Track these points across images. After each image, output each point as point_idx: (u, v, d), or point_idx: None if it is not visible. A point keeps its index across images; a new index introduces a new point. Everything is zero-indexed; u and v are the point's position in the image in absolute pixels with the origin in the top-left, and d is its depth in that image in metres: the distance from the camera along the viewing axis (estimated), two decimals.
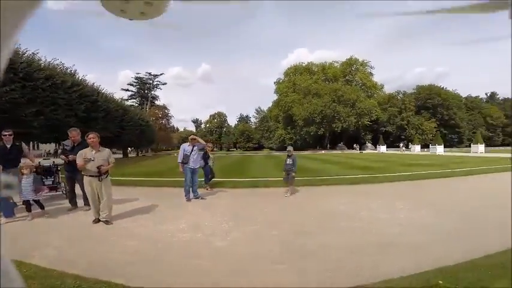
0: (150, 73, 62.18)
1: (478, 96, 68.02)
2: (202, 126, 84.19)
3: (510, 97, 68.52)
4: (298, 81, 59.06)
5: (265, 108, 77.88)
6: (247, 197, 7.26)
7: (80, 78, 21.48)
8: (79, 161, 4.86)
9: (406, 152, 35.76)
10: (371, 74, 59.69)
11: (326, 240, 3.85)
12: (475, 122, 59.21)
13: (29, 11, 0.45)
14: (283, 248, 3.65)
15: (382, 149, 40.01)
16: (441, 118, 55.78)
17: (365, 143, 51.37)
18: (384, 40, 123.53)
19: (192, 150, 7.10)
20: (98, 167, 4.84)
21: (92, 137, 4.91)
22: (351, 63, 60.14)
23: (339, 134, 54.79)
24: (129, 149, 41.76)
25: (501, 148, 47.79)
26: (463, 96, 62.59)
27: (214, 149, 36.83)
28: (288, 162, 7.18)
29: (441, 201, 6.28)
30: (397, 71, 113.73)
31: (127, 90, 61.28)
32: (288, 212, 5.59)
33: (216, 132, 76.99)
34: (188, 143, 7.23)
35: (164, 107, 60.63)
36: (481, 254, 3.15)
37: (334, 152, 43.37)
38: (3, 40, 0.44)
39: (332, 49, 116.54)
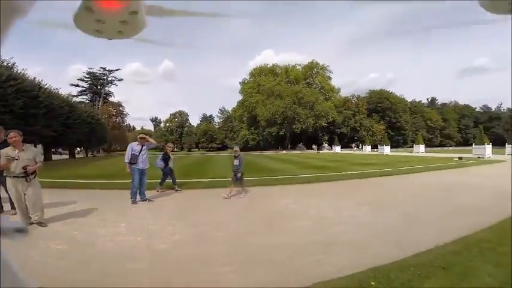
0: (104, 68, 57.74)
1: (421, 101, 75.86)
2: (162, 125, 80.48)
3: (447, 102, 77.76)
4: (262, 82, 60.20)
5: (230, 108, 77.77)
6: (200, 198, 7.03)
7: (19, 71, 19.45)
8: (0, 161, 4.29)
9: (358, 152, 38.41)
10: (329, 77, 63.34)
11: (274, 241, 3.85)
12: (418, 125, 65.88)
13: (10, 21, 0.43)
14: (230, 249, 3.58)
15: (337, 149, 42.54)
16: (389, 121, 61.02)
17: (322, 144, 54.07)
18: (343, 46, 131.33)
19: (141, 150, 6.70)
20: (24, 167, 4.33)
21: (13, 136, 4.43)
22: (312, 66, 63.03)
23: (298, 134, 56.77)
24: (77, 149, 38.27)
25: (439, 148, 53.93)
26: (408, 101, 69.25)
27: (175, 149, 35.49)
28: (235, 163, 7.02)
29: (383, 199, 6.71)
30: (352, 76, 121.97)
31: (77, 85, 56.16)
32: (240, 213, 5.54)
33: (176, 132, 74.09)
34: (137, 142, 6.81)
35: (119, 104, 56.73)
36: (414, 251, 3.32)
37: (294, 152, 44.77)
38: None
39: (296, 52, 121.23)
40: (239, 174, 7.00)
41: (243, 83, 66.90)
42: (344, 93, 67.77)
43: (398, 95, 65.69)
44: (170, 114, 76.15)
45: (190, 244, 3.79)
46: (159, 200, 6.79)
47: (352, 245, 3.66)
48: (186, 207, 6.05)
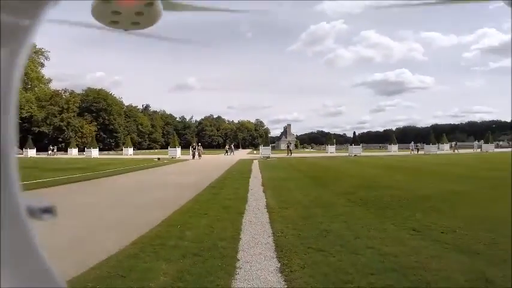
0: None
1: (137, 106, 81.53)
2: None
3: (158, 111, 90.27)
4: None
5: None
6: None
7: None
8: None
9: (58, 156, 33.55)
10: (42, 65, 51.31)
11: None
12: (130, 129, 69.95)
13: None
14: None
15: (30, 152, 33.30)
16: (102, 122, 59.21)
17: None
18: (83, 39, 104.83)
19: None
20: None
21: None
22: None
23: None
24: None
25: (147, 150, 61.15)
26: (126, 105, 71.64)
27: None
28: None
29: (73, 207, 5.99)
30: (76, 69, 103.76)
31: None
32: None
33: None
34: None
35: None
36: (96, 261, 3.02)
37: None
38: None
39: None
40: None
41: None
42: (56, 86, 57.31)
43: (117, 97, 66.03)
44: None
45: None
46: None
47: None
48: None
